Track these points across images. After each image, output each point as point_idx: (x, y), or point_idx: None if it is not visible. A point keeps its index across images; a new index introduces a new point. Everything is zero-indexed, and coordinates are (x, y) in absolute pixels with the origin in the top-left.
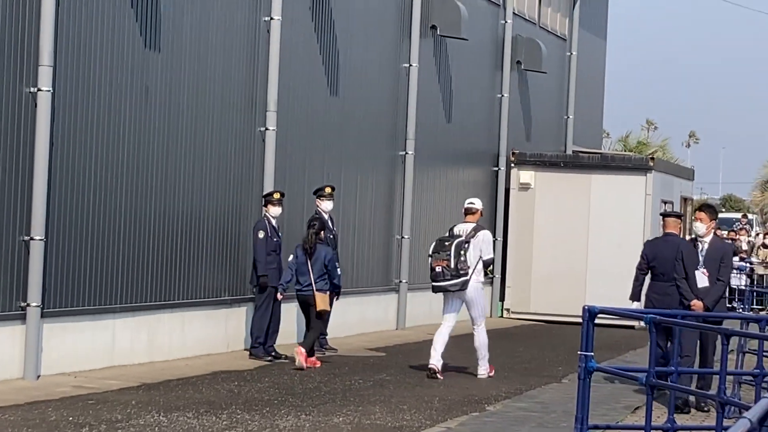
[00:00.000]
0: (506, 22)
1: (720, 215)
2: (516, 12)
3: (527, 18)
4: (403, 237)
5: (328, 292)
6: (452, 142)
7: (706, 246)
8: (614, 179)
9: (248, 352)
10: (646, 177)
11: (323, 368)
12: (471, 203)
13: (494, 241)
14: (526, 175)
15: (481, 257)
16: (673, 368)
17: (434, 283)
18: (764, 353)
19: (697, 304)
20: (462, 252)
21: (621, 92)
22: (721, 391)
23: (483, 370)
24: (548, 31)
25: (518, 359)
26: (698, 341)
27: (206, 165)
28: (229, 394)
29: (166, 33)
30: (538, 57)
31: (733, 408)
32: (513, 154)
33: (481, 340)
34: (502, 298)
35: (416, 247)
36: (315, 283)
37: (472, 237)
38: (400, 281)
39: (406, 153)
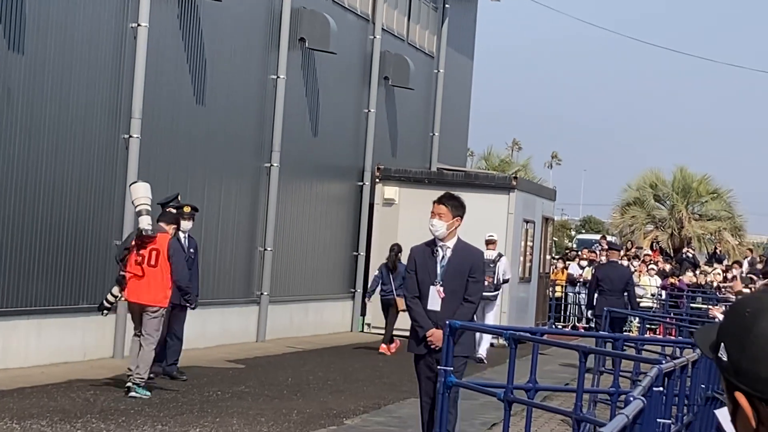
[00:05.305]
0: (375, 37)
1: (580, 236)
2: (385, 28)
3: (396, 34)
4: (266, 249)
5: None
6: (318, 155)
7: (448, 254)
8: (477, 197)
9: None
10: (509, 196)
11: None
12: (492, 236)
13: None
14: (390, 191)
15: (502, 276)
16: (531, 384)
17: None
18: (620, 372)
19: (435, 335)
20: (497, 272)
21: (486, 111)
22: (578, 408)
23: (484, 350)
24: (416, 48)
25: (377, 373)
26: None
27: (68, 170)
28: (84, 403)
29: (30, 35)
30: (406, 73)
31: (588, 425)
32: (378, 169)
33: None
34: (363, 313)
35: (279, 259)
36: (396, 290)
37: (498, 261)
38: (262, 293)
39: (272, 165)
